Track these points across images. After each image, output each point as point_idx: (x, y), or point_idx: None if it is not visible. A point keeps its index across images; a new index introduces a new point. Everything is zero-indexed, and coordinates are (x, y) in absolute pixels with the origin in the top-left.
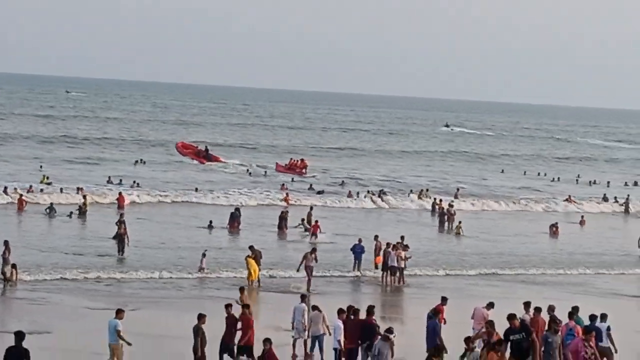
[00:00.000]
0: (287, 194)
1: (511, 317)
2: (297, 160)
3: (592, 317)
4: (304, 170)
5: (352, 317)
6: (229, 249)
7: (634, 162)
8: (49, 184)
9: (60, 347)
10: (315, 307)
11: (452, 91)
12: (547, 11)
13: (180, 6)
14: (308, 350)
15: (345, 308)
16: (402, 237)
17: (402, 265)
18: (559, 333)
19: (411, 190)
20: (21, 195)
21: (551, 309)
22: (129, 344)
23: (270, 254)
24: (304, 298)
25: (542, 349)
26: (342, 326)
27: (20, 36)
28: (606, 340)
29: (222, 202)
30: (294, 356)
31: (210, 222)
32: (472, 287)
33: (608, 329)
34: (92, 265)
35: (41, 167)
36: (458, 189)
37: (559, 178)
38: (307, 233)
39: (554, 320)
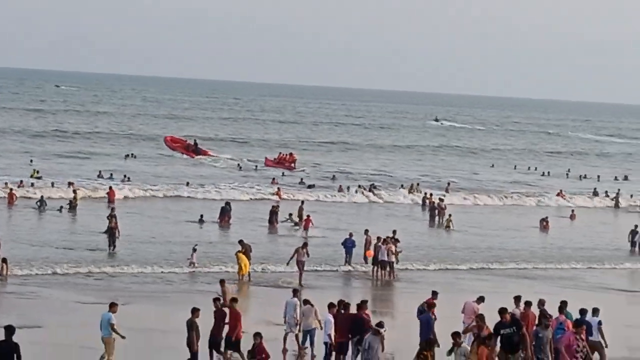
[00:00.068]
0: (278, 188)
1: (502, 311)
2: (286, 155)
3: (583, 311)
4: (292, 165)
5: (342, 311)
6: (220, 243)
7: (625, 157)
8: (39, 178)
9: (51, 341)
10: (306, 302)
11: (452, 91)
12: (547, 11)
13: (180, 6)
14: (300, 344)
15: (335, 302)
16: (394, 232)
17: (393, 260)
18: (550, 328)
19: (402, 185)
20: (11, 189)
21: (541, 303)
22: (123, 337)
23: (261, 248)
24: (296, 292)
25: (533, 343)
26: (332, 320)
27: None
28: (597, 334)
29: (213, 196)
30: (285, 350)
31: (201, 216)
32: (462, 281)
33: (599, 323)
34: (82, 259)
35: (31, 161)
36: (449, 183)
37: (549, 172)
38: (298, 227)
39: (544, 315)
